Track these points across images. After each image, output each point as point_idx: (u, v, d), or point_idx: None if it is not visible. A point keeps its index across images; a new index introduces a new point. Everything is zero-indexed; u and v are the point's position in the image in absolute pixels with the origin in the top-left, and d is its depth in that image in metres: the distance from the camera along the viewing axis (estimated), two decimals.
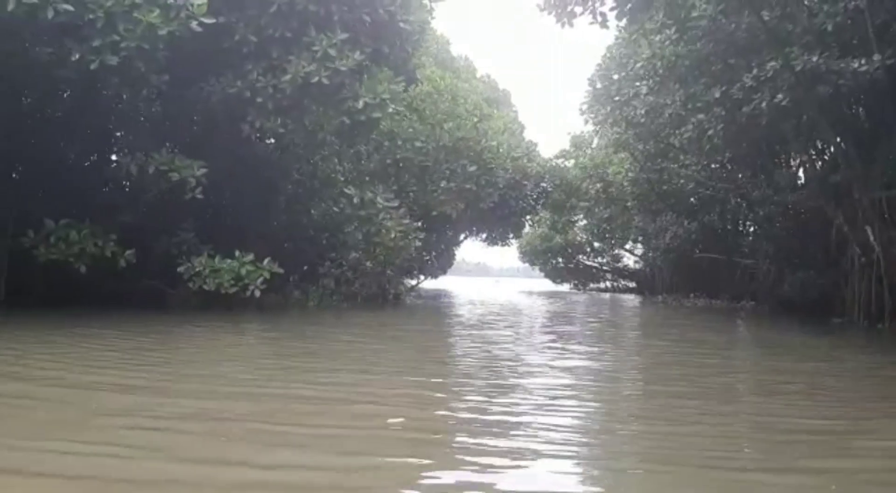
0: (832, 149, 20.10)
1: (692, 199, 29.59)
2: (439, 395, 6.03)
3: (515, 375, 7.26)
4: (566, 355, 9.27)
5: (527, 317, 18.14)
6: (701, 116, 17.48)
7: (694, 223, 29.47)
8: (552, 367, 8.01)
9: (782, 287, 23.19)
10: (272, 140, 16.67)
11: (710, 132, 17.25)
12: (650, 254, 41.42)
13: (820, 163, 21.67)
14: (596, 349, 10.48)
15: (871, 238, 17.15)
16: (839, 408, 5.88)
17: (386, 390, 6.01)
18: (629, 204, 31.44)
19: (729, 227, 30.14)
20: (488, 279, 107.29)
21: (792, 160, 23.93)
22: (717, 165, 26.18)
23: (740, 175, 25.77)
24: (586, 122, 32.40)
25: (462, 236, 33.51)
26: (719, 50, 17.15)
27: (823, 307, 20.25)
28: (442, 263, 32.69)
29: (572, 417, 5.17)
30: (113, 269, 14.24)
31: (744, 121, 16.80)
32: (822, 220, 20.56)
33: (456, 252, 37.85)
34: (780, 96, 15.38)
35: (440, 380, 6.89)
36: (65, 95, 14.39)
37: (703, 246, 29.83)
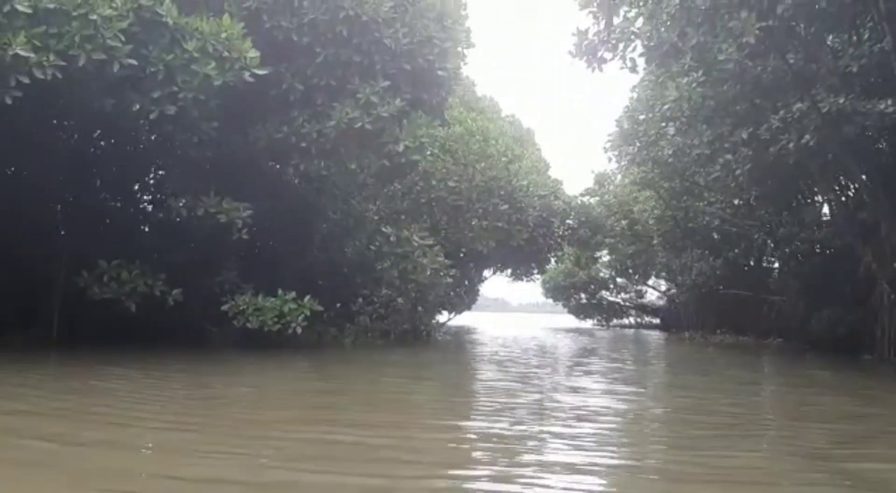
0: (858, 186, 20.39)
1: (715, 235, 29.83)
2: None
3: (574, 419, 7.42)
4: (627, 400, 9.45)
5: (562, 355, 18.39)
6: (728, 156, 17.87)
7: (719, 260, 29.68)
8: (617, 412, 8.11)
9: (810, 324, 23.25)
10: (310, 182, 17.21)
11: (737, 172, 17.62)
12: (673, 290, 41.58)
13: (846, 200, 21.92)
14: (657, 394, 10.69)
15: None
16: None
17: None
18: (655, 241, 31.74)
19: (753, 263, 30.31)
20: (509, 315, 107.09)
21: (818, 197, 24.20)
22: (742, 202, 26.48)
23: (765, 212, 26.02)
24: (610, 160, 32.94)
25: (489, 273, 33.89)
26: (745, 91, 17.55)
27: (853, 344, 20.31)
28: (467, 299, 33.01)
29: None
30: (161, 307, 14.75)
31: (771, 161, 17.17)
32: (850, 256, 20.74)
33: (479, 288, 38.17)
34: (807, 137, 15.77)
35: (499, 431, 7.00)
36: (116, 141, 15.02)
37: (729, 282, 29.96)
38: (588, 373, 12.99)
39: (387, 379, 11.33)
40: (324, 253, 19.33)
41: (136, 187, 16.25)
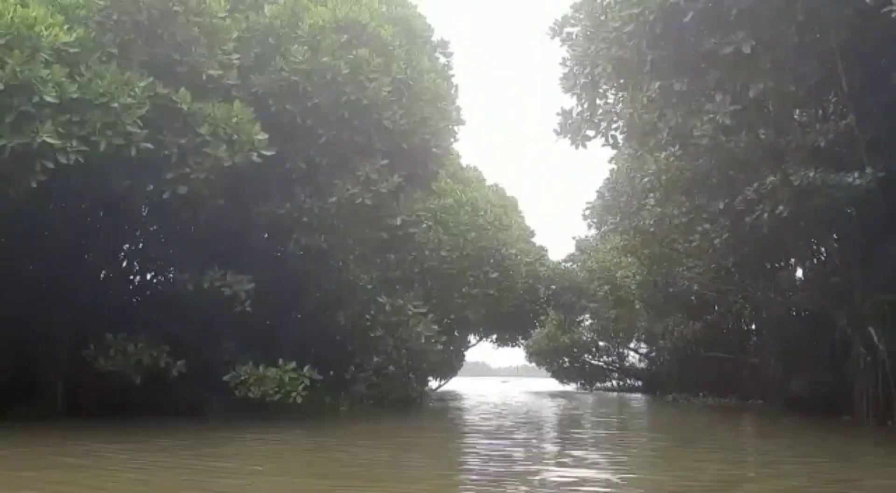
0: (829, 253, 21.29)
1: (692, 298, 30.66)
2: None
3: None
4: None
5: (549, 420, 18.79)
6: (707, 225, 18.76)
7: (699, 323, 30.45)
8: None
9: (789, 386, 23.86)
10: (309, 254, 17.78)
11: (716, 240, 18.49)
12: (654, 353, 42.22)
13: (818, 264, 22.81)
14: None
15: (875, 338, 18.06)
16: None
17: None
18: (637, 305, 32.53)
19: (732, 326, 31.13)
20: (492, 379, 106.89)
21: (791, 262, 25.12)
22: (719, 268, 27.37)
23: (742, 277, 26.90)
24: (589, 226, 33.92)
25: (474, 339, 34.37)
26: (720, 165, 18.55)
27: (832, 405, 20.85)
28: (454, 365, 33.45)
29: None
30: (162, 378, 15.10)
31: (747, 230, 18.06)
32: (826, 320, 21.49)
33: (465, 354, 38.59)
34: (780, 208, 16.66)
35: None
36: (123, 217, 15.58)
37: (710, 345, 30.70)
38: (595, 445, 12.67)
39: (398, 452, 11.55)
40: (317, 322, 19.76)
41: (140, 261, 16.71)
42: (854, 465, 10.57)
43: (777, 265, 25.36)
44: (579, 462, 9.56)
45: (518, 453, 10.76)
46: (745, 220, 17.48)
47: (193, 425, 14.13)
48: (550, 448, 11.29)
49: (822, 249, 22.60)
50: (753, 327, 30.80)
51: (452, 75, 17.63)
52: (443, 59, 17.97)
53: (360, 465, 9.27)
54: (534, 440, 12.91)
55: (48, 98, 10.57)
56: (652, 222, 20.85)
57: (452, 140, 18.37)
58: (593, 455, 10.48)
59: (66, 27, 11.08)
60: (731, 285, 27.12)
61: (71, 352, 15.19)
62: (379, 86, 14.32)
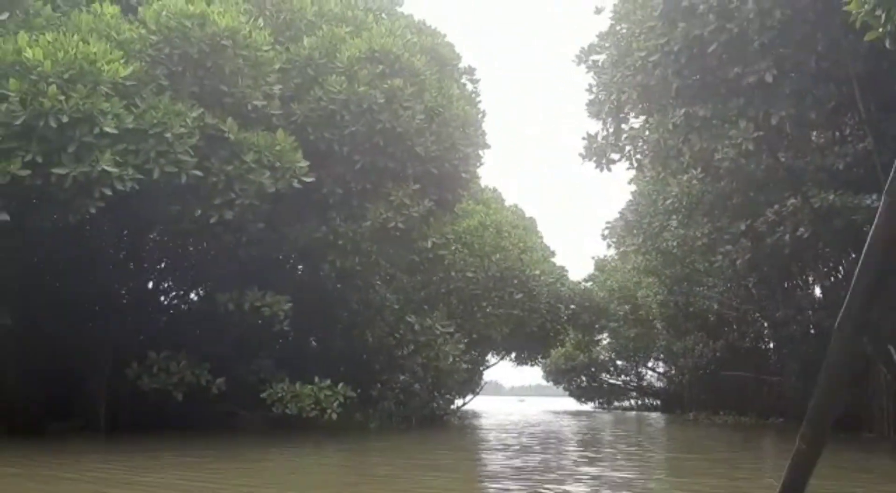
0: (847, 271, 21.65)
1: (710, 317, 30.98)
2: None
3: None
4: None
5: (580, 440, 19.08)
6: (728, 246, 19.19)
7: (719, 342, 30.75)
8: None
9: (810, 403, 24.02)
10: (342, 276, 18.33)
11: (738, 261, 18.91)
12: (673, 372, 42.39)
13: (836, 282, 23.16)
14: None
15: (894, 356, 18.33)
16: None
17: None
18: (658, 325, 32.90)
19: (752, 344, 31.39)
20: (508, 398, 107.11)
21: (810, 278, 25.47)
22: (739, 287, 27.71)
23: (761, 296, 27.24)
24: (609, 246, 34.37)
25: (494, 358, 34.76)
26: (741, 187, 19.02)
27: (852, 423, 21.11)
28: (476, 383, 33.84)
29: None
30: (201, 395, 15.63)
31: (768, 251, 18.50)
32: None
33: (483, 373, 38.92)
34: (801, 230, 17.12)
35: None
36: (166, 239, 16.20)
37: (729, 364, 30.94)
38: (629, 460, 12.84)
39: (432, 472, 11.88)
40: (345, 340, 20.31)
41: (181, 281, 17.30)
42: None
43: (796, 282, 25.71)
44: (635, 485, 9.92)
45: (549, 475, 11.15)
46: (767, 241, 17.92)
47: (233, 439, 14.63)
48: (618, 474, 11.42)
49: (840, 267, 22.99)
50: (772, 345, 31.05)
51: (479, 101, 18.27)
52: (470, 86, 18.62)
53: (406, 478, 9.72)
54: (583, 460, 13.16)
55: (108, 129, 11.16)
56: (675, 243, 21.32)
57: (479, 164, 18.97)
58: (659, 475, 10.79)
59: (122, 61, 11.71)
60: (750, 304, 27.46)
61: (114, 370, 15.78)
62: (412, 114, 14.91)
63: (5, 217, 10.95)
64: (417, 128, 15.14)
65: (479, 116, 17.59)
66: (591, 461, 12.32)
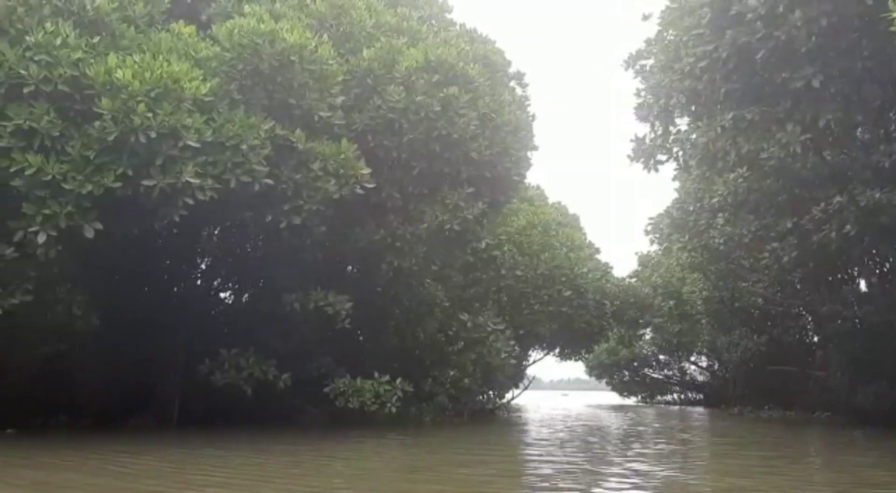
0: (894, 266, 21.85)
1: (754, 312, 31.19)
2: None
3: None
4: None
5: (631, 435, 19.41)
6: (775, 243, 19.52)
7: (764, 337, 30.95)
8: None
9: (856, 399, 24.16)
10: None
11: (784, 259, 19.24)
12: (716, 366, 42.52)
13: (882, 277, 23.31)
14: None
15: None
16: None
17: None
18: (703, 320, 33.21)
19: (797, 339, 31.53)
20: (551, 392, 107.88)
21: (857, 276, 25.60)
22: (784, 282, 27.91)
23: (807, 291, 27.41)
24: (652, 242, 34.70)
25: (538, 353, 35.32)
26: (787, 185, 19.33)
27: None
28: (523, 378, 34.58)
29: None
30: (268, 390, 16.48)
31: (814, 248, 18.79)
32: (891, 332, 21.96)
33: (527, 368, 39.48)
34: (847, 227, 17.40)
35: None
36: (235, 242, 17.07)
37: (774, 359, 31.11)
38: (684, 458, 12.69)
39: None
40: (398, 337, 21.04)
41: (248, 282, 18.18)
42: None
43: (842, 277, 25.84)
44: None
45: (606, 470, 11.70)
46: (813, 238, 18.22)
47: (301, 432, 15.46)
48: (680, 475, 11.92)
49: (886, 262, 23.14)
50: (817, 340, 31.14)
51: (528, 105, 18.84)
52: (519, 90, 19.19)
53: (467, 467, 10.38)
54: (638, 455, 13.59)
55: (190, 142, 11.97)
56: (721, 241, 21.70)
57: (529, 166, 19.56)
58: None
59: (201, 79, 12.51)
60: (795, 299, 27.64)
61: (187, 366, 16.70)
62: (467, 120, 15.54)
63: (98, 226, 11.81)
64: (472, 134, 15.76)
65: (529, 119, 18.16)
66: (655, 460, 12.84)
